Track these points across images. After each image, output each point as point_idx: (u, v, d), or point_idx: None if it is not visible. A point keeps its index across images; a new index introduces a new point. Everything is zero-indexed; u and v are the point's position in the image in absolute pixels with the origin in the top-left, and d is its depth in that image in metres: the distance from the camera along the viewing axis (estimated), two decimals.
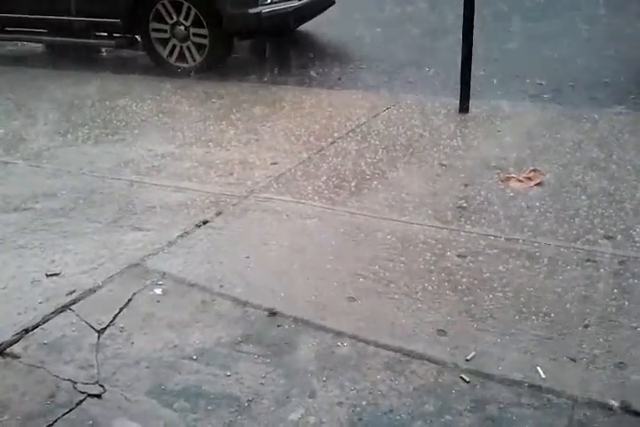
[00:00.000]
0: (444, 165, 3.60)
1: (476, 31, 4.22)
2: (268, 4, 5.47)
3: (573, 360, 2.09)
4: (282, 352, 2.20)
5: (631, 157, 3.57)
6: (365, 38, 6.88)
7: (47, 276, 2.70)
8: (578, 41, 6.14)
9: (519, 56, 5.82)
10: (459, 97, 4.37)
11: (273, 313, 2.39)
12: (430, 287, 2.50)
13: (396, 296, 2.46)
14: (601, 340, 2.17)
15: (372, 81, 5.42)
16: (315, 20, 6.55)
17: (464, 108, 4.36)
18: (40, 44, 7.20)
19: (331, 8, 6.56)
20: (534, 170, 3.43)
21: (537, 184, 3.31)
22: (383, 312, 2.37)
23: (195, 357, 2.20)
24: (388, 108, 4.51)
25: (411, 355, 2.15)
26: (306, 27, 6.82)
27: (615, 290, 2.43)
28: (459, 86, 4.36)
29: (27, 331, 2.36)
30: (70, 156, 3.99)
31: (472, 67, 4.28)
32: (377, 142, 3.95)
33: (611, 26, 6.57)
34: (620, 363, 2.06)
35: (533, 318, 2.30)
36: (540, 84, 5.06)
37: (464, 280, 2.53)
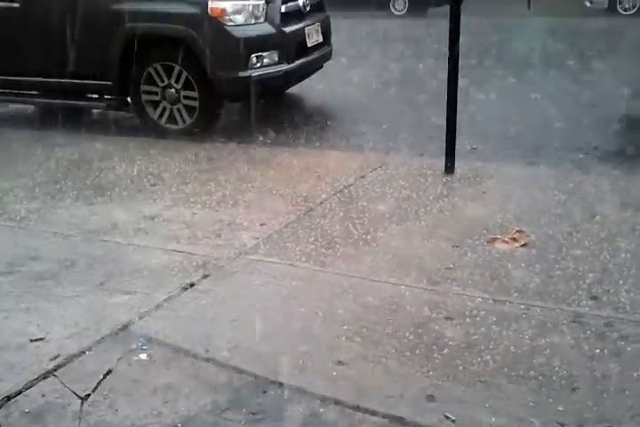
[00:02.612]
0: (431, 227, 3.62)
1: (460, 92, 4.32)
2: (258, 67, 5.58)
3: (562, 425, 2.07)
4: (268, 419, 2.17)
5: (614, 217, 3.61)
6: (352, 100, 7.03)
7: (31, 341, 2.67)
8: (562, 101, 6.29)
9: (504, 117, 5.94)
10: (444, 158, 4.44)
11: (259, 378, 2.36)
12: (418, 351, 2.49)
13: (385, 360, 2.44)
14: (589, 404, 2.16)
15: (360, 142, 5.50)
16: (304, 82, 6.69)
17: (449, 169, 4.43)
18: (31, 106, 7.29)
19: (319, 71, 6.71)
20: (519, 231, 3.46)
21: (522, 245, 3.33)
22: (371, 377, 2.35)
23: (179, 424, 2.17)
24: (375, 169, 4.57)
25: (399, 421, 2.13)
26: (295, 89, 6.96)
27: (602, 352, 2.43)
28: (444, 147, 4.43)
29: (9, 398, 2.33)
30: (58, 217, 4.00)
31: (457, 128, 4.37)
32: (364, 203, 3.98)
33: (595, 84, 6.76)
34: None
35: (522, 381, 2.29)
36: (524, 146, 5.15)
37: (452, 343, 2.52)
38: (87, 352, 2.57)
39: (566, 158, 4.82)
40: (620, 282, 2.93)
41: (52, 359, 2.53)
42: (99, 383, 2.38)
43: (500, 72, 7.89)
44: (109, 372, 2.44)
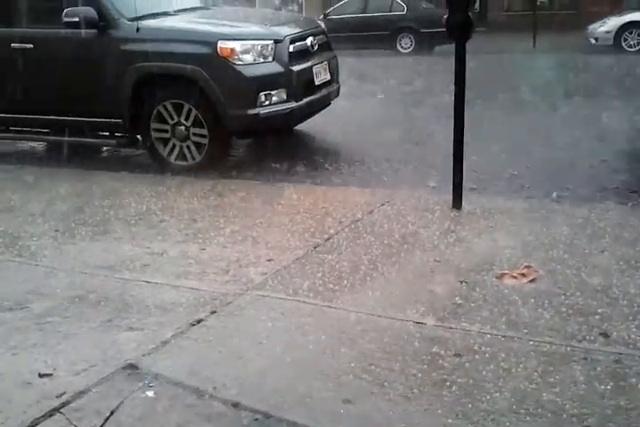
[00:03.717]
0: (439, 262, 3.62)
1: (466, 128, 4.36)
2: (267, 105, 5.66)
3: None
4: None
5: (623, 252, 3.60)
6: (359, 136, 7.10)
7: (39, 376, 2.66)
8: (569, 136, 6.34)
9: (510, 152, 5.97)
10: (451, 193, 4.46)
11: (267, 416, 2.34)
12: (426, 388, 2.47)
13: (392, 398, 2.42)
14: None
15: (367, 178, 5.54)
16: (312, 119, 6.76)
17: (457, 204, 4.44)
18: (42, 143, 7.39)
19: (327, 108, 6.79)
20: (528, 266, 3.45)
21: (531, 281, 3.32)
22: (379, 415, 2.33)
23: None
24: (382, 205, 4.59)
25: None
26: (303, 126, 7.04)
27: (613, 389, 2.40)
28: (451, 182, 4.45)
29: None
30: (67, 254, 4.02)
31: (464, 163, 4.39)
32: (372, 239, 3.99)
33: (602, 120, 6.81)
34: None
35: (531, 418, 2.26)
36: (532, 181, 5.17)
37: (460, 380, 2.50)
38: (94, 389, 2.56)
39: (574, 193, 4.83)
40: (630, 318, 2.91)
41: (58, 396, 2.52)
42: (105, 421, 2.37)
43: (505, 109, 7.97)
44: (116, 409, 2.43)
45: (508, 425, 2.23)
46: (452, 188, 4.45)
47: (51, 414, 2.42)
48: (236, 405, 2.42)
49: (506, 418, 2.27)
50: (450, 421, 2.28)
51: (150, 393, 2.52)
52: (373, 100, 9.00)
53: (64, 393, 2.54)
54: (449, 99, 4.38)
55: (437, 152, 5.52)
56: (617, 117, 6.89)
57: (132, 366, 2.71)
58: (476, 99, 6.88)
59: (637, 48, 14.73)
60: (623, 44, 14.84)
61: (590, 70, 11.28)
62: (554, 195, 4.77)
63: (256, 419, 2.34)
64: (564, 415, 2.27)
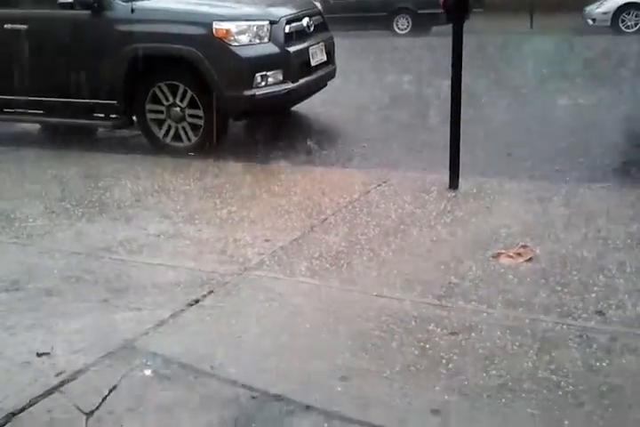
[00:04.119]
0: (436, 242, 3.63)
1: (464, 107, 4.35)
2: (262, 86, 5.63)
3: None
4: None
5: (619, 232, 3.61)
6: (356, 117, 7.07)
7: (38, 355, 2.67)
8: (565, 117, 6.33)
9: (507, 133, 5.97)
10: (448, 173, 4.45)
11: (264, 394, 2.36)
12: (423, 366, 2.48)
13: (389, 375, 2.44)
14: (595, 418, 2.15)
15: (364, 158, 5.54)
16: (308, 100, 6.74)
17: (453, 184, 4.44)
18: (36, 125, 7.36)
19: (322, 89, 6.76)
20: (524, 246, 3.46)
21: (527, 260, 3.33)
22: (376, 392, 2.34)
23: None
24: (379, 186, 4.58)
25: None
26: (299, 107, 7.01)
27: (608, 367, 2.42)
28: (448, 163, 4.45)
29: (14, 414, 2.32)
30: (63, 235, 4.02)
31: (461, 143, 4.38)
32: (368, 219, 3.99)
33: (601, 100, 6.80)
34: None
35: (527, 396, 2.28)
36: (528, 161, 5.16)
37: (457, 358, 2.52)
38: (92, 368, 2.57)
39: (571, 173, 4.83)
40: (626, 296, 2.93)
41: (56, 375, 2.53)
42: (103, 400, 2.38)
43: (502, 89, 7.94)
44: (114, 388, 2.44)
45: (504, 402, 2.25)
46: (448, 168, 4.45)
47: (50, 392, 2.43)
48: (234, 383, 2.44)
49: (501, 395, 2.29)
50: (446, 398, 2.29)
51: (148, 372, 2.53)
52: (370, 82, 8.96)
53: (62, 372, 2.55)
54: (446, 80, 4.36)
55: (434, 133, 5.51)
56: (615, 98, 6.88)
57: (130, 346, 2.72)
58: (473, 80, 6.85)
59: (635, 29, 14.64)
60: (621, 24, 14.75)
61: (587, 51, 11.23)
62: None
63: (254, 397, 2.35)
64: (560, 392, 2.29)
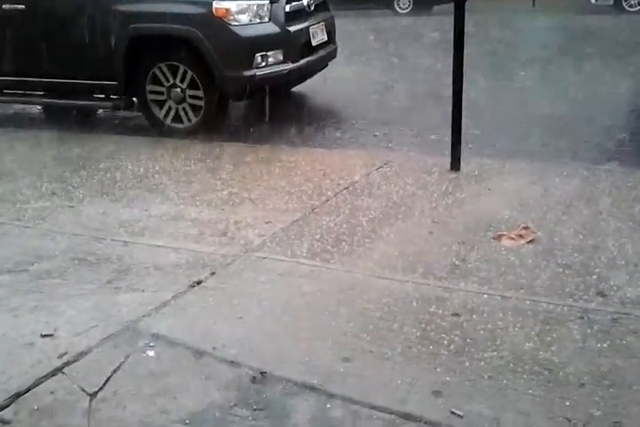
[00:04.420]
0: (437, 223, 3.63)
1: (466, 87, 4.32)
2: (263, 66, 5.60)
3: (569, 420, 2.07)
4: (275, 416, 2.18)
5: (621, 213, 3.61)
6: (357, 98, 7.04)
7: (41, 337, 2.68)
8: (568, 97, 6.29)
9: (509, 113, 5.94)
10: (450, 155, 4.44)
11: (266, 375, 2.37)
12: (424, 347, 2.49)
13: (391, 356, 2.45)
14: (597, 399, 2.16)
15: (365, 140, 5.52)
16: (309, 80, 6.70)
17: (455, 166, 4.43)
18: (37, 106, 7.33)
19: (325, 69, 6.72)
20: (526, 227, 3.46)
21: (529, 242, 3.33)
22: (377, 373, 2.36)
23: (187, 421, 2.18)
24: (380, 167, 4.57)
25: (406, 417, 2.13)
26: (300, 87, 6.98)
27: (609, 348, 2.43)
28: (450, 144, 4.43)
29: (18, 395, 2.34)
30: (65, 217, 4.02)
31: (462, 124, 4.36)
32: (370, 201, 3.99)
33: (603, 80, 6.75)
34: (616, 423, 2.05)
35: (528, 377, 2.29)
36: (530, 142, 5.15)
37: (458, 339, 2.53)
38: (95, 350, 2.59)
39: (573, 154, 4.81)
40: (627, 277, 2.93)
41: (60, 357, 2.54)
42: (107, 381, 2.39)
43: (504, 69, 7.89)
44: (117, 369, 2.46)
45: (505, 383, 2.26)
46: (450, 149, 4.43)
47: (53, 373, 2.45)
48: (236, 364, 2.45)
49: (503, 376, 2.30)
50: (447, 379, 2.30)
51: (151, 353, 2.55)
52: (371, 62, 8.90)
53: (66, 353, 2.56)
54: (448, 60, 4.33)
55: (435, 114, 5.48)
56: (618, 78, 6.84)
57: (133, 327, 2.73)
58: (475, 59, 6.80)
59: (638, 8, 14.51)
60: (624, 3, 14.61)
61: (590, 31, 11.14)
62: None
63: (255, 378, 2.36)
64: (561, 373, 2.30)
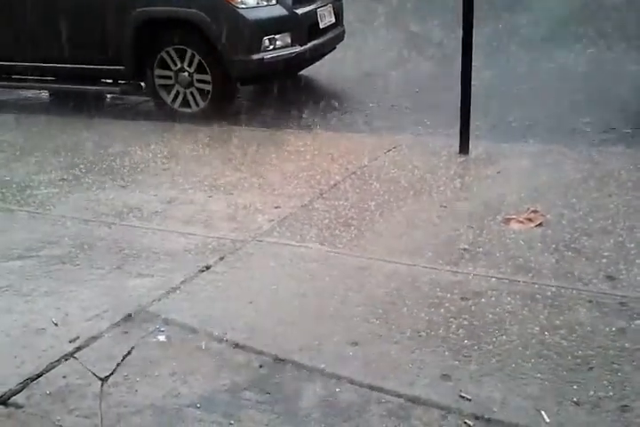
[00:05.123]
0: (446, 207, 3.62)
1: (475, 72, 4.29)
2: (271, 50, 5.58)
3: (577, 404, 2.08)
4: (285, 399, 2.19)
5: (630, 197, 3.59)
6: (365, 81, 6.99)
7: (52, 323, 2.71)
8: (579, 79, 6.22)
9: (518, 97, 5.89)
10: (459, 138, 4.42)
11: (276, 359, 2.39)
12: (433, 331, 2.50)
13: (399, 340, 2.46)
14: (605, 382, 2.16)
15: (374, 124, 5.50)
16: (317, 63, 6.67)
17: (464, 149, 4.41)
18: (45, 91, 7.33)
19: (333, 52, 6.68)
20: (535, 211, 3.45)
21: (538, 225, 3.32)
22: (386, 357, 2.37)
23: (198, 404, 2.20)
24: (389, 151, 4.56)
25: (415, 400, 2.14)
26: (309, 70, 6.95)
27: (618, 331, 2.43)
28: (459, 128, 4.41)
29: (30, 380, 2.37)
30: (74, 202, 4.04)
31: (471, 108, 4.34)
32: (378, 185, 3.98)
33: (616, 63, 6.67)
34: (625, 406, 2.05)
35: (537, 360, 2.29)
36: (540, 125, 5.11)
37: (467, 323, 2.53)
38: (106, 334, 2.61)
39: (583, 138, 4.79)
40: (637, 261, 2.92)
41: (71, 342, 2.57)
42: (118, 365, 2.42)
43: (515, 49, 7.80)
44: (128, 353, 2.48)
45: (514, 367, 2.27)
46: (459, 133, 4.42)
47: (65, 358, 2.48)
48: (246, 348, 2.47)
49: (511, 360, 2.31)
50: (456, 363, 2.32)
51: (162, 338, 2.57)
52: (380, 44, 8.82)
53: (77, 338, 2.59)
54: (457, 41, 4.29)
55: (444, 97, 5.44)
56: (627, 59, 6.76)
57: (143, 312, 2.75)
58: (485, 39, 6.74)
59: None
60: None
61: (602, 7, 11.00)
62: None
63: (266, 362, 2.38)
64: (569, 357, 2.30)
